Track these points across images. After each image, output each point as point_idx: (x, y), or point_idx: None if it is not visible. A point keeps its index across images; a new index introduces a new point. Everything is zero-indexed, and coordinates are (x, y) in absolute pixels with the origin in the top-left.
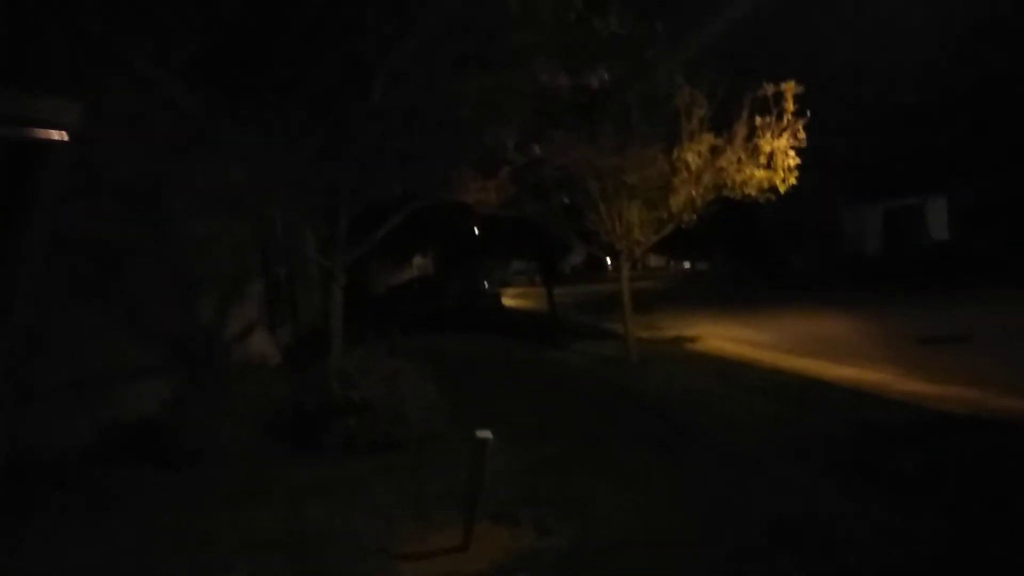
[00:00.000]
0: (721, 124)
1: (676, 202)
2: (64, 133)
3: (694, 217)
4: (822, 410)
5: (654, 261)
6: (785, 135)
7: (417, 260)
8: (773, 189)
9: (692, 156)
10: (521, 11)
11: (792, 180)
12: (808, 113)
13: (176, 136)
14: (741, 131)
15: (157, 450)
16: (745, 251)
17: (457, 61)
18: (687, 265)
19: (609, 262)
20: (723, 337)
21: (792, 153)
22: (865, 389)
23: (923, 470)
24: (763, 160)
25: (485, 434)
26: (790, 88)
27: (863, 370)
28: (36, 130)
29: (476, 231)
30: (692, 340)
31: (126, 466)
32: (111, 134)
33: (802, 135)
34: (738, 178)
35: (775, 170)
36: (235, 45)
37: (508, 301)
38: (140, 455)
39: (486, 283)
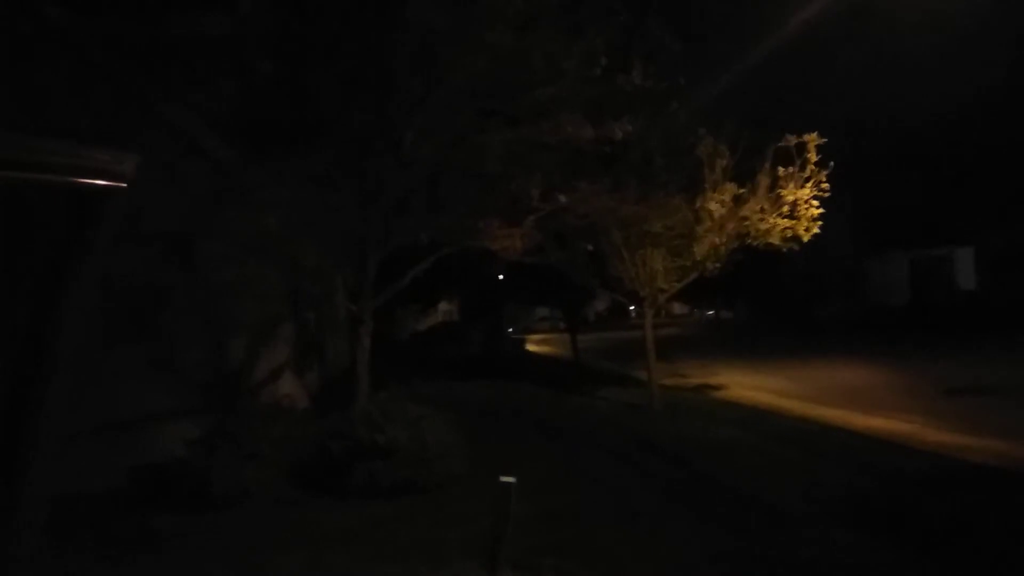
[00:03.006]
0: (744, 174)
1: (699, 250)
2: (122, 183)
3: (717, 265)
4: (847, 460)
5: (677, 308)
6: (808, 185)
7: (442, 306)
8: (796, 238)
9: (715, 205)
10: (546, 67)
11: (815, 229)
12: (832, 164)
13: (211, 186)
14: (764, 181)
15: (184, 493)
16: (769, 300)
17: (484, 115)
18: (711, 313)
19: (632, 309)
20: (747, 386)
21: (815, 203)
22: (891, 439)
23: (951, 521)
24: (786, 210)
25: (509, 479)
26: (812, 139)
27: (889, 420)
28: (94, 181)
29: (501, 277)
30: (716, 388)
31: (152, 508)
32: (148, 183)
33: (825, 185)
34: (761, 227)
35: (798, 219)
36: (269, 100)
37: (532, 347)
38: (167, 498)
39: (510, 329)
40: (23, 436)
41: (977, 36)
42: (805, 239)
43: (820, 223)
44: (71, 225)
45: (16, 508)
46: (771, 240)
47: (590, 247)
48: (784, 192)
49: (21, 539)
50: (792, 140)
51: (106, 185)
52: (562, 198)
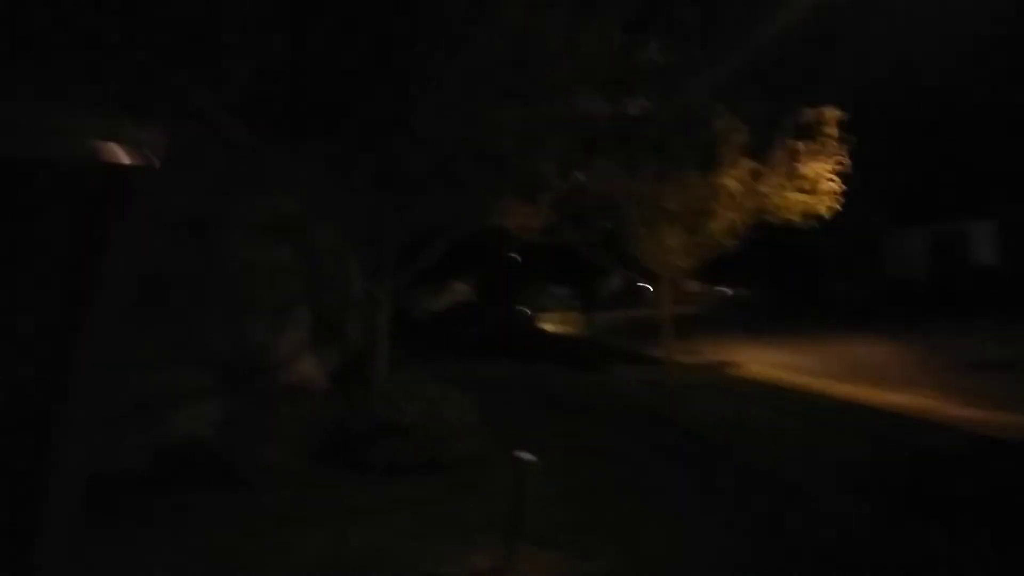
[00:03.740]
0: (762, 149)
1: (716, 227)
2: (154, 157)
3: (734, 242)
4: (868, 436)
5: (694, 286)
6: (827, 160)
7: (458, 285)
8: (815, 214)
9: (732, 181)
10: (564, 44)
11: (834, 205)
12: (853, 138)
13: (228, 166)
14: (782, 156)
15: (207, 472)
16: (787, 277)
17: (500, 92)
18: (727, 291)
19: (648, 287)
20: (765, 363)
21: (834, 178)
22: (913, 415)
23: (975, 497)
24: (804, 185)
25: (528, 456)
26: (831, 114)
27: (910, 396)
28: (124, 154)
29: (516, 257)
30: (733, 365)
31: (176, 488)
32: (166, 165)
33: (844, 159)
34: (779, 203)
35: (816, 195)
36: (285, 79)
37: (547, 326)
38: (190, 477)
39: (526, 308)
40: (55, 421)
41: (1002, 6)
42: (825, 215)
43: (839, 198)
44: (102, 199)
45: (47, 492)
46: (790, 216)
47: (606, 225)
48: (803, 167)
49: (52, 523)
50: (811, 114)
51: (137, 159)
52: (578, 175)
